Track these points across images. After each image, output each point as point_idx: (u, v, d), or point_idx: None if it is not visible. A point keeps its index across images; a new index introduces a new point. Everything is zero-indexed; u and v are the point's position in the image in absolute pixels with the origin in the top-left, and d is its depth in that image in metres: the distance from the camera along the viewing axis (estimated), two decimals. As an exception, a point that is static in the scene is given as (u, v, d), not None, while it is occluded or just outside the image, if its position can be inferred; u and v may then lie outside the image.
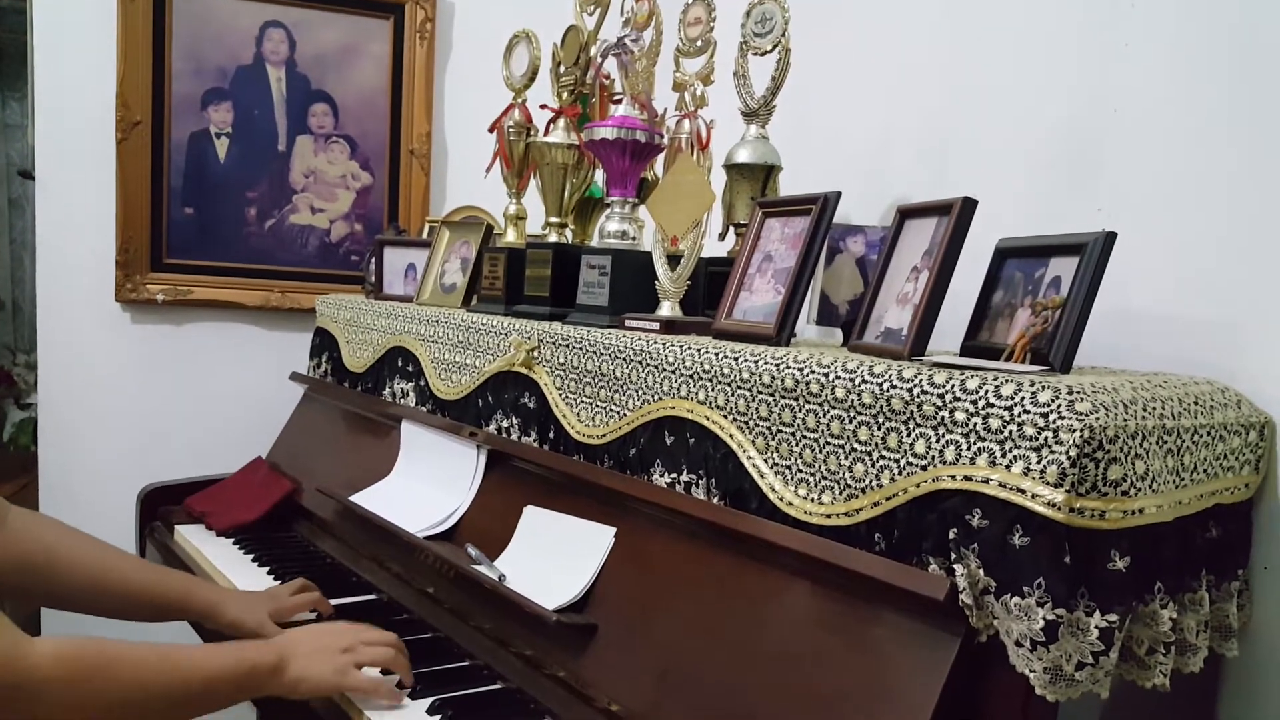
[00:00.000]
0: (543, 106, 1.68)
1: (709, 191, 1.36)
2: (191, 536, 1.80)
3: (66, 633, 0.98)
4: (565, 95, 1.64)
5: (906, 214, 1.16)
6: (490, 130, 1.78)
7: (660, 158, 1.62)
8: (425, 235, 2.23)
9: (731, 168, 1.48)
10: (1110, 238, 0.98)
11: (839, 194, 1.21)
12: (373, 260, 2.10)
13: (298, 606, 1.37)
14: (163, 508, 1.95)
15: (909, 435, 0.90)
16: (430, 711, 1.12)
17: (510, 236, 1.77)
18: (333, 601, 1.44)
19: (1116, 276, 1.02)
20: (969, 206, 1.05)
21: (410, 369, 1.76)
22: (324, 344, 2.12)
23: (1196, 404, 0.95)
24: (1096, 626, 0.80)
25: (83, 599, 1.24)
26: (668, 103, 1.64)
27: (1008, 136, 1.43)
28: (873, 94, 1.67)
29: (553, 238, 1.67)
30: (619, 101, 1.53)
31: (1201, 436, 0.94)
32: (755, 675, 0.97)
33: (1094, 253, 0.98)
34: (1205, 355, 1.14)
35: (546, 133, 1.66)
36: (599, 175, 1.72)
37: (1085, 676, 0.80)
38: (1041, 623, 0.79)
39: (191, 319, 2.33)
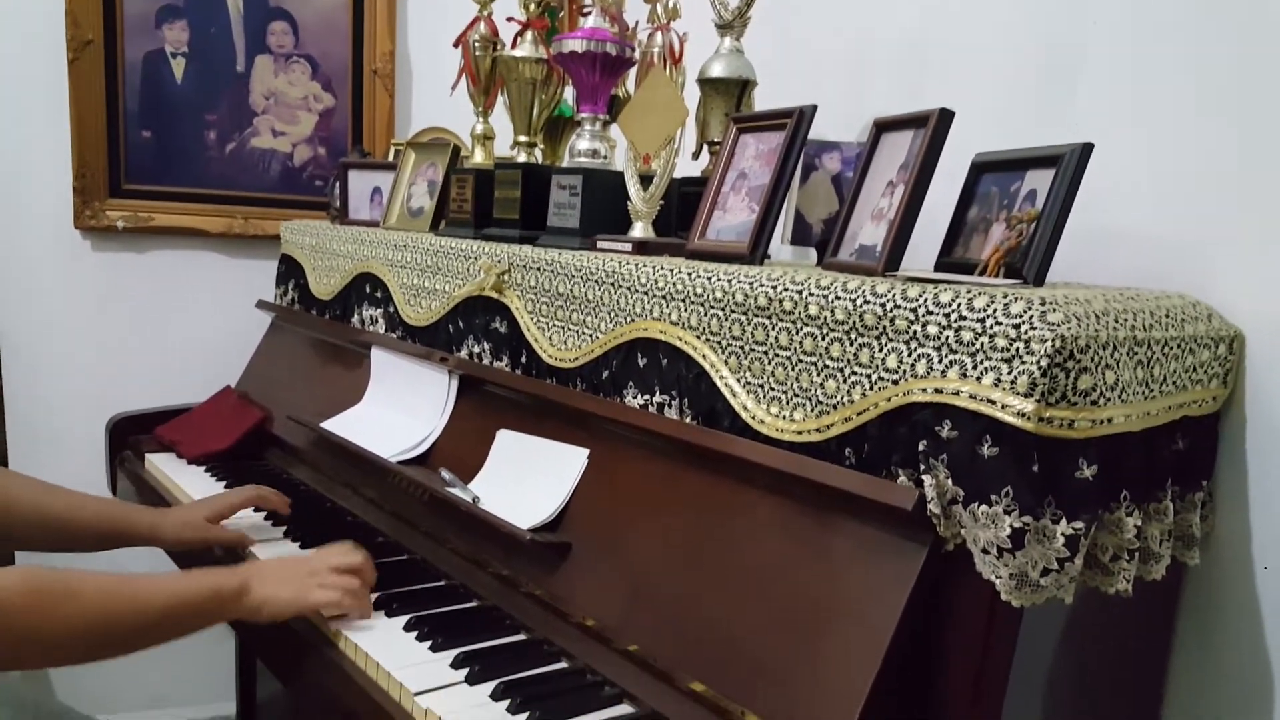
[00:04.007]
0: (509, 19, 1.62)
1: (682, 107, 1.33)
2: (163, 464, 1.79)
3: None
4: (532, 7, 1.59)
5: (883, 127, 1.13)
6: (455, 45, 1.72)
7: (632, 73, 1.58)
8: (391, 158, 2.17)
9: (705, 82, 1.44)
10: (1087, 149, 0.97)
11: (815, 107, 1.18)
12: (337, 185, 2.05)
13: (236, 502, 1.42)
14: (132, 437, 1.93)
15: (881, 350, 0.90)
16: (406, 628, 1.13)
17: (478, 158, 1.73)
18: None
19: (1091, 193, 1.01)
20: (945, 118, 1.03)
21: (379, 295, 1.73)
22: (290, 271, 2.08)
23: (1168, 316, 0.95)
24: (1062, 534, 0.81)
25: (30, 534, 1.27)
26: (639, 15, 1.59)
27: (986, 50, 1.40)
28: (849, 7, 1.63)
29: (522, 158, 1.62)
30: (588, 14, 1.47)
31: (1171, 349, 0.94)
32: (727, 587, 0.98)
33: (1070, 164, 0.97)
34: (1177, 269, 1.13)
35: (514, 46, 1.60)
36: (569, 93, 1.68)
37: (1050, 582, 0.82)
38: (1008, 530, 0.80)
39: (154, 246, 2.27)
